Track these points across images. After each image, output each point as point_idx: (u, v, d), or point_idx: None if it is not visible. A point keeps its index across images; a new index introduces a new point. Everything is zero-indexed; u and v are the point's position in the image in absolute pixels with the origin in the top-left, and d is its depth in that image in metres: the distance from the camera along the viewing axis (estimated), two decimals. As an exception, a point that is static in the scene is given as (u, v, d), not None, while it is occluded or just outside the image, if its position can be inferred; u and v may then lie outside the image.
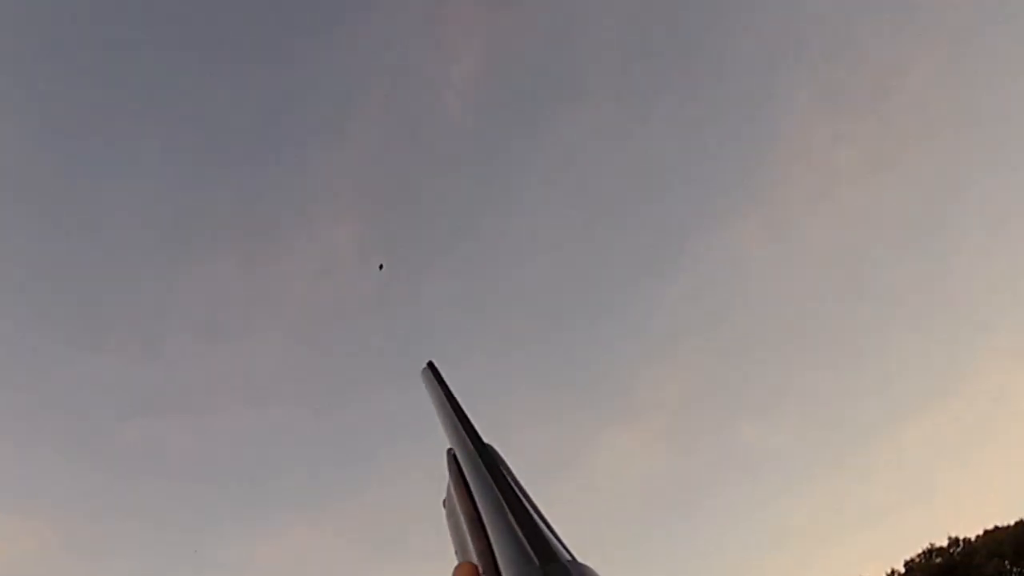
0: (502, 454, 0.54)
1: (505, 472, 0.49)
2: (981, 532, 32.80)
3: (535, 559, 0.36)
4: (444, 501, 0.60)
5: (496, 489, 0.46)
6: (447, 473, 0.59)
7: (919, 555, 33.69)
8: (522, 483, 0.48)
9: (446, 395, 0.65)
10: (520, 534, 0.39)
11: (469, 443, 0.54)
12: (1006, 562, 30.32)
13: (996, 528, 31.96)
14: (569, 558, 0.36)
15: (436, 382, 0.70)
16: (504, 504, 0.44)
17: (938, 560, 32.78)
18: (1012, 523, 31.25)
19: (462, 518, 0.51)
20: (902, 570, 34.39)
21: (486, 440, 0.55)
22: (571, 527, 0.41)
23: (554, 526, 0.41)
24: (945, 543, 33.33)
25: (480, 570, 0.43)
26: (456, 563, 0.52)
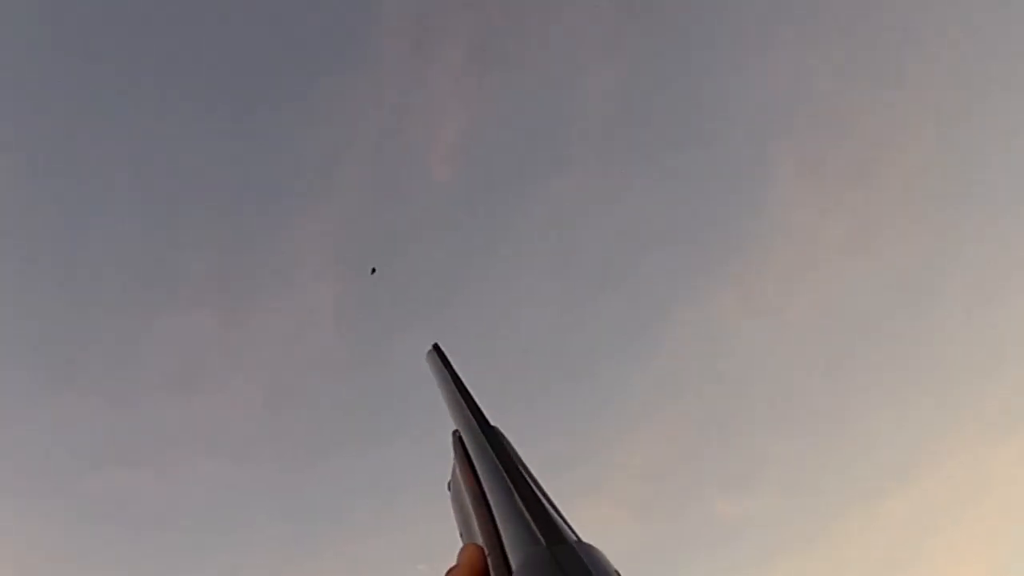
0: (508, 437, 0.53)
1: (511, 453, 0.48)
2: None
3: (542, 539, 0.35)
4: (449, 483, 0.59)
5: (502, 470, 0.45)
6: (452, 455, 0.59)
7: None
8: (528, 465, 0.47)
9: (452, 377, 0.65)
10: (527, 514, 0.39)
11: (475, 424, 0.53)
12: None
13: None
14: (575, 538, 0.35)
15: (442, 364, 0.69)
16: (510, 485, 0.43)
17: None
18: None
19: (468, 499, 0.50)
20: None
21: (492, 423, 0.55)
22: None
23: (560, 508, 0.41)
24: None
25: (486, 551, 0.43)
26: (461, 545, 0.51)
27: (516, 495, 0.41)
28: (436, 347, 0.75)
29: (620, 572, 0.33)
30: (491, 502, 0.45)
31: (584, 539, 0.35)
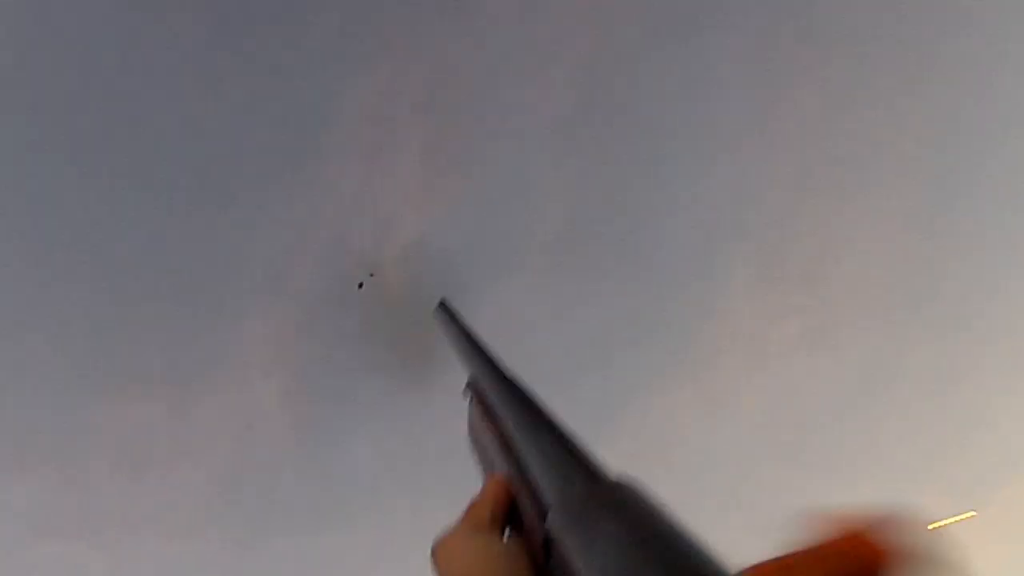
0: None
1: (531, 397, 0.48)
2: None
3: (583, 473, 0.35)
4: (468, 432, 0.59)
5: (525, 413, 0.45)
6: (469, 399, 0.59)
7: None
8: (548, 408, 0.47)
9: (463, 329, 0.65)
10: (558, 454, 0.39)
11: (495, 370, 0.54)
12: None
13: None
14: (613, 474, 0.35)
15: (452, 318, 0.69)
16: (536, 427, 0.43)
17: None
18: None
19: (489, 443, 0.50)
20: None
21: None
22: None
23: (587, 446, 0.41)
24: None
25: (513, 485, 0.43)
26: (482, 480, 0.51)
27: (544, 437, 0.41)
28: (443, 302, 0.74)
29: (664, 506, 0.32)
30: (518, 445, 0.45)
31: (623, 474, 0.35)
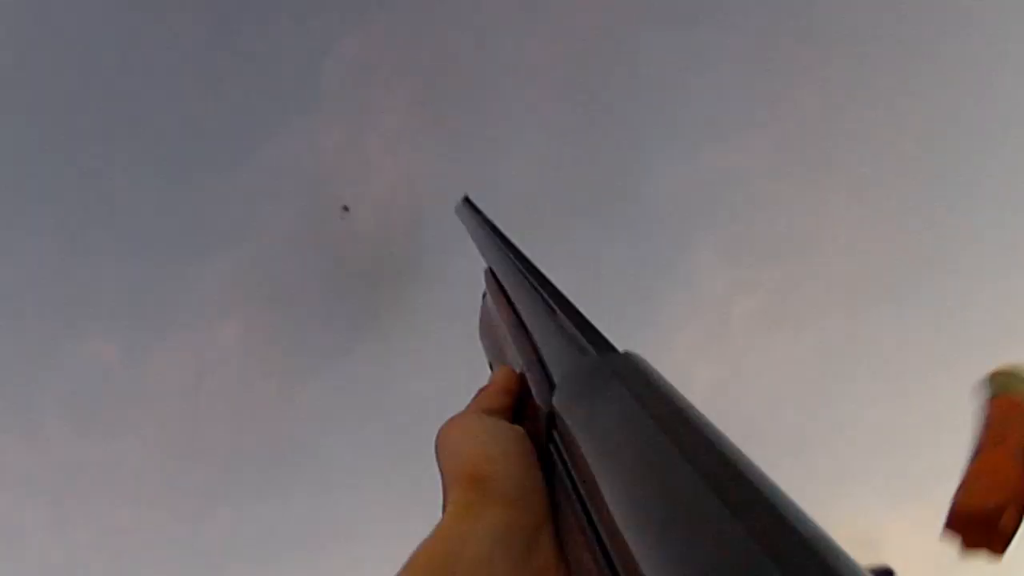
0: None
1: (549, 281, 0.47)
2: None
3: (589, 349, 0.34)
4: (479, 321, 0.59)
5: (541, 292, 0.44)
6: (483, 293, 0.58)
7: None
8: (565, 292, 0.46)
9: (485, 222, 0.64)
10: (571, 328, 0.38)
11: (512, 259, 0.52)
12: None
13: None
14: (621, 350, 0.34)
15: (474, 212, 0.69)
16: (551, 304, 0.42)
17: None
18: None
19: (502, 328, 0.50)
20: None
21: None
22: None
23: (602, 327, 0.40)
24: None
25: (524, 369, 0.42)
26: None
27: (558, 313, 0.40)
28: (466, 198, 0.74)
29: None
30: (529, 324, 0.44)
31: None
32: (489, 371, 0.53)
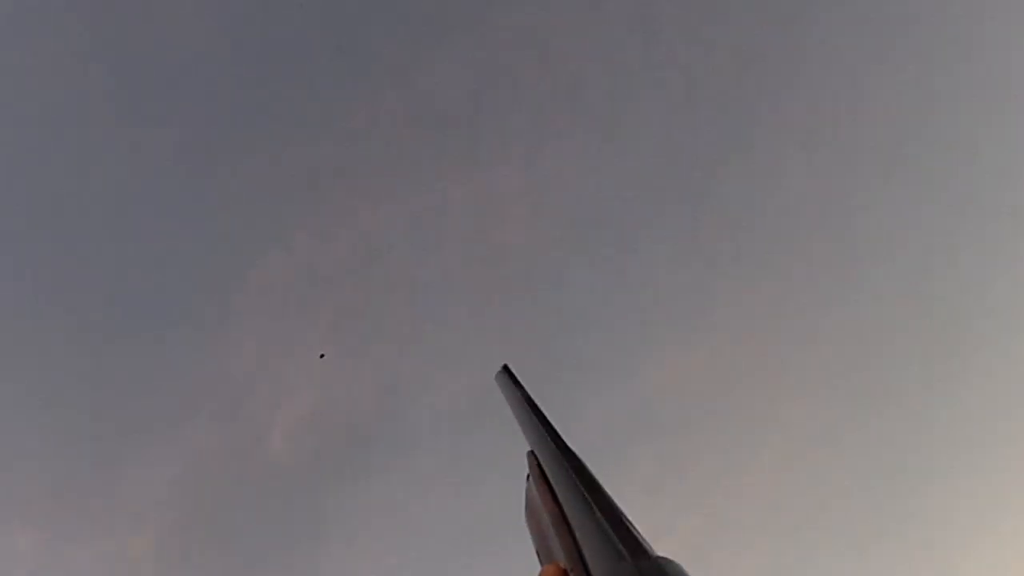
0: (581, 457, 0.54)
1: (589, 473, 0.48)
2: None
3: (626, 555, 0.36)
4: (525, 504, 0.60)
5: (582, 488, 0.46)
6: (527, 475, 0.59)
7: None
8: (603, 484, 0.48)
9: (524, 397, 0.66)
10: (609, 531, 0.39)
11: (551, 443, 0.54)
12: None
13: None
14: (657, 554, 0.35)
15: (513, 384, 0.70)
16: (591, 503, 0.43)
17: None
18: None
19: (546, 518, 0.51)
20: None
21: (568, 445, 0.55)
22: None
23: (637, 525, 0.41)
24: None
25: (567, 569, 0.43)
26: (539, 566, 0.52)
27: (597, 513, 0.42)
28: (506, 368, 0.76)
29: None
30: (571, 520, 0.45)
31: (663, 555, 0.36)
32: (536, 557, 0.54)
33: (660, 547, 0.37)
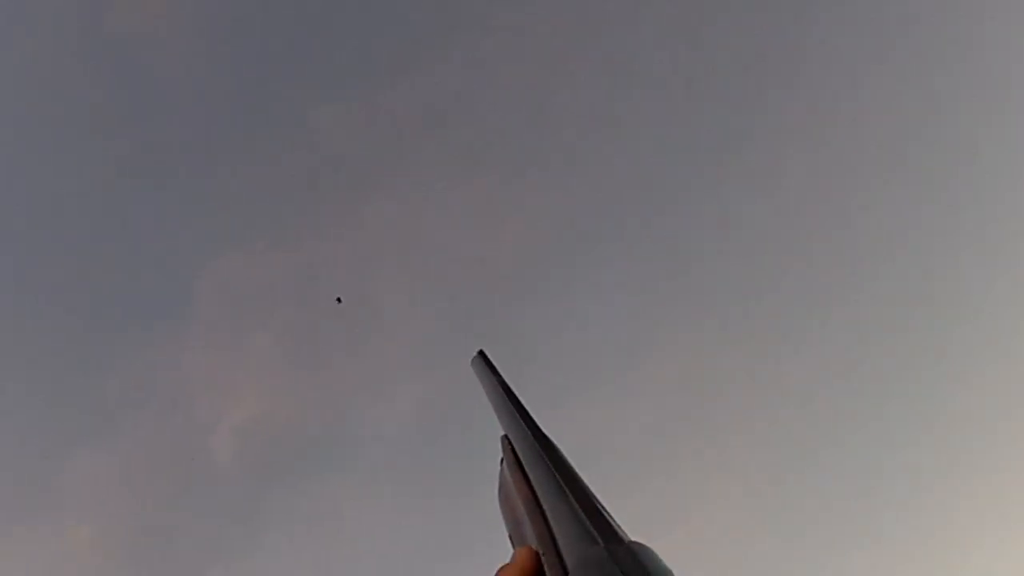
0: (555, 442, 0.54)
1: (563, 458, 0.49)
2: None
3: (599, 539, 0.36)
4: (498, 488, 0.60)
5: (555, 472, 0.46)
6: (501, 459, 0.59)
7: None
8: (576, 469, 0.48)
9: (499, 382, 0.66)
10: (582, 515, 0.39)
11: (525, 428, 0.54)
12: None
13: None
14: (630, 539, 0.36)
15: (489, 370, 0.70)
16: (564, 486, 0.44)
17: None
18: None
19: (519, 502, 0.51)
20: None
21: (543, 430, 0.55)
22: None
23: (610, 510, 0.41)
24: None
25: (540, 552, 0.43)
26: (511, 549, 0.52)
27: (570, 497, 0.42)
28: (482, 353, 0.76)
29: (674, 572, 0.33)
30: (544, 505, 0.45)
31: (636, 540, 0.36)
32: (508, 541, 0.54)
33: (634, 532, 0.37)
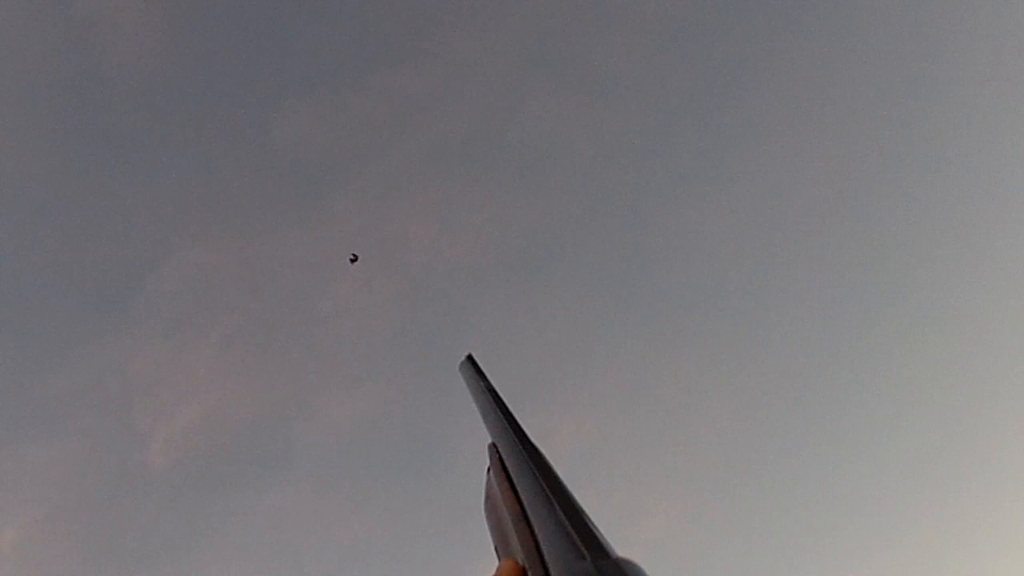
0: (544, 452, 0.53)
1: (550, 468, 0.48)
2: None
3: (586, 554, 0.35)
4: (485, 497, 0.59)
5: (542, 483, 0.45)
6: (487, 468, 0.59)
7: None
8: (564, 481, 0.47)
9: (487, 388, 0.65)
10: (569, 528, 0.39)
11: (513, 437, 0.53)
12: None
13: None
14: (617, 554, 0.35)
15: (477, 375, 0.69)
16: (551, 498, 0.43)
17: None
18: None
19: (505, 513, 0.50)
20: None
21: (531, 439, 0.54)
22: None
23: (597, 524, 0.41)
24: None
25: (525, 566, 0.42)
26: (496, 561, 0.51)
27: (558, 509, 0.41)
28: (470, 358, 0.75)
29: None
30: (531, 517, 0.44)
31: (623, 555, 0.35)
32: (494, 552, 0.53)
33: (621, 548, 0.37)
